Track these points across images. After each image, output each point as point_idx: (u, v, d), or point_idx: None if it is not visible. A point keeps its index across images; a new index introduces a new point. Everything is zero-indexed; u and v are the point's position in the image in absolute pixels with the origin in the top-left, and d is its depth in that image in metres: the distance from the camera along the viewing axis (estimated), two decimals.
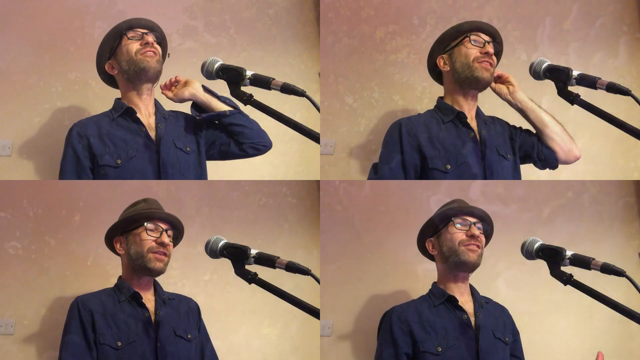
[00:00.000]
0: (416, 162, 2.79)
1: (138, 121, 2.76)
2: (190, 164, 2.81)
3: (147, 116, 2.79)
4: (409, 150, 2.79)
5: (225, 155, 2.85)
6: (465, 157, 2.78)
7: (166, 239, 2.68)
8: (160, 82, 2.82)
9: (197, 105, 2.80)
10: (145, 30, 2.77)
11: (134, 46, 2.74)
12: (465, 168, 2.77)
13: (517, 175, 2.87)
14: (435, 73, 2.91)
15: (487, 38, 2.80)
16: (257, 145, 2.83)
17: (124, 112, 2.76)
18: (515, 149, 2.88)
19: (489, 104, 2.94)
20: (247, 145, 2.82)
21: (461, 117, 2.81)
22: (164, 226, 2.70)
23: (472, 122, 2.84)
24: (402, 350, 2.64)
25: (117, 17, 3.05)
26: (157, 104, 2.84)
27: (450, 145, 2.78)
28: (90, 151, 2.73)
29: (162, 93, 2.81)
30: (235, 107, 2.78)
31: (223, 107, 2.78)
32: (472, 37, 2.78)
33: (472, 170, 2.77)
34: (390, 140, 2.83)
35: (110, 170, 2.72)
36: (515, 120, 2.95)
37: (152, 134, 2.78)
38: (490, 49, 2.77)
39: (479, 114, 2.87)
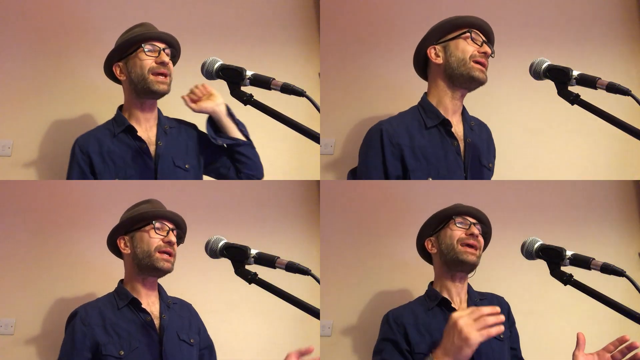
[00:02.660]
0: (398, 173, 2.75)
1: (139, 139, 2.78)
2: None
3: (147, 129, 2.80)
4: (392, 160, 2.74)
5: (221, 176, 2.94)
6: (446, 170, 2.75)
7: (173, 238, 2.70)
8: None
9: (212, 121, 2.83)
10: (163, 46, 2.76)
11: (148, 62, 2.73)
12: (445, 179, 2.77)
13: None
14: (420, 64, 2.81)
15: (484, 38, 2.77)
16: (254, 176, 2.93)
17: (125, 129, 2.78)
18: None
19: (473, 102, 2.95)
20: (245, 174, 2.91)
21: (446, 124, 2.76)
22: (170, 225, 2.72)
23: (458, 127, 2.79)
24: (402, 346, 2.64)
25: (121, 18, 3.05)
26: (159, 115, 2.86)
27: (432, 156, 2.74)
28: (91, 168, 2.76)
29: (186, 104, 2.82)
30: (248, 137, 2.87)
31: (238, 134, 2.85)
32: (473, 34, 2.73)
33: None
34: (371, 146, 2.76)
35: None
36: (497, 125, 2.95)
37: (152, 149, 2.79)
38: (487, 49, 2.74)
39: (465, 116, 2.82)
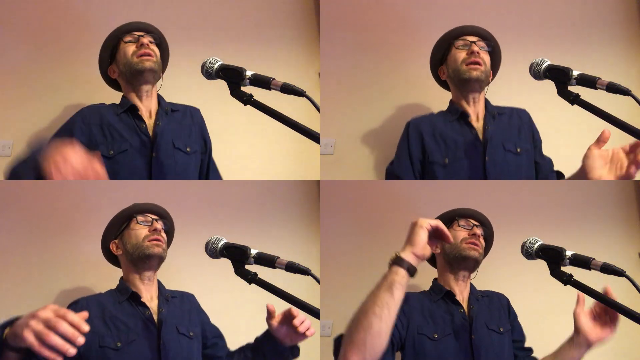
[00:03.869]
0: (419, 156, 2.91)
1: (139, 117, 2.82)
2: (191, 164, 2.84)
3: (147, 117, 2.83)
4: (415, 144, 2.91)
5: None
6: (464, 153, 2.86)
7: (158, 226, 2.74)
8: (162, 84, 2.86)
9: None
10: (141, 33, 2.83)
11: (131, 49, 2.81)
12: (463, 163, 2.83)
13: (530, 169, 2.91)
14: (442, 83, 3.01)
15: (473, 39, 2.89)
16: None
17: (128, 109, 2.82)
18: (535, 140, 2.96)
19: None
20: None
21: (464, 116, 2.90)
22: (153, 216, 2.76)
23: (478, 122, 2.91)
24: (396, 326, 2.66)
25: (120, 17, 3.05)
26: (160, 100, 2.89)
27: (451, 141, 2.88)
28: (89, 138, 2.79)
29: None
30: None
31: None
32: (458, 42, 2.89)
33: (470, 165, 2.82)
34: (401, 137, 2.97)
35: (102, 159, 2.76)
36: (531, 109, 2.97)
37: (151, 130, 2.82)
38: (476, 47, 2.87)
39: (487, 108, 2.95)
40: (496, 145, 2.87)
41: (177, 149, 2.84)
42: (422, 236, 2.34)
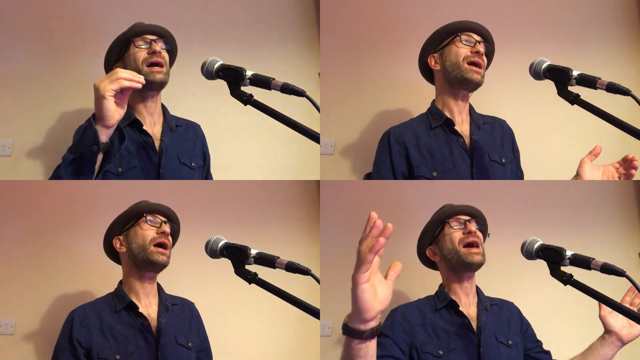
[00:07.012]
0: (403, 170, 2.84)
1: (145, 132, 2.77)
2: (195, 179, 2.84)
3: (151, 125, 2.80)
4: (398, 158, 2.84)
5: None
6: (452, 164, 2.81)
7: (167, 229, 2.71)
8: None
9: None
10: (154, 37, 2.75)
11: (142, 54, 2.71)
12: (451, 175, 2.81)
13: (513, 179, 2.89)
14: (427, 72, 2.92)
15: (478, 38, 2.83)
16: None
17: (131, 123, 2.75)
18: (515, 151, 2.90)
19: (487, 101, 2.94)
20: None
21: (449, 123, 2.83)
22: (162, 218, 2.74)
23: (463, 126, 2.86)
24: (400, 345, 2.64)
25: (121, 17, 3.05)
26: (164, 111, 2.85)
27: (437, 152, 2.82)
28: None
29: None
30: None
31: None
32: (463, 36, 2.81)
33: (458, 176, 2.79)
34: (380, 149, 2.89)
35: (111, 176, 2.73)
36: (513, 120, 2.96)
37: (157, 144, 2.78)
38: (480, 48, 2.80)
39: (472, 115, 2.88)
40: (482, 157, 2.83)
41: (182, 164, 2.82)
42: (364, 297, 1.96)
